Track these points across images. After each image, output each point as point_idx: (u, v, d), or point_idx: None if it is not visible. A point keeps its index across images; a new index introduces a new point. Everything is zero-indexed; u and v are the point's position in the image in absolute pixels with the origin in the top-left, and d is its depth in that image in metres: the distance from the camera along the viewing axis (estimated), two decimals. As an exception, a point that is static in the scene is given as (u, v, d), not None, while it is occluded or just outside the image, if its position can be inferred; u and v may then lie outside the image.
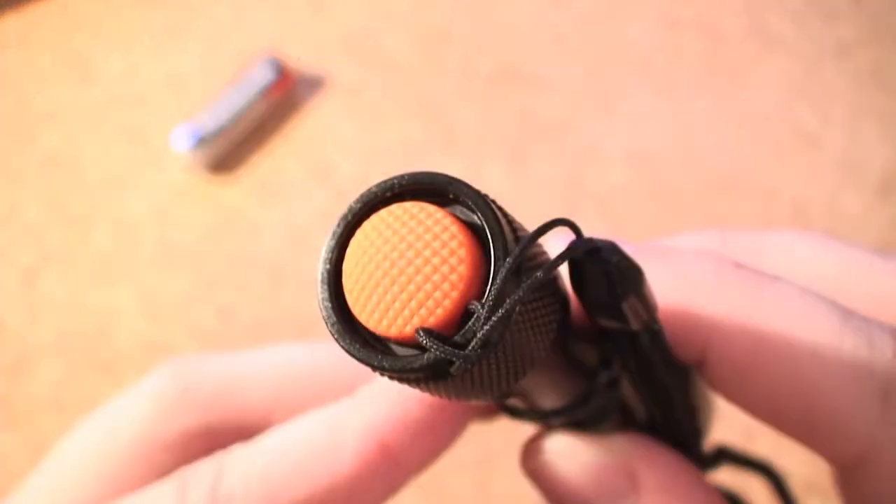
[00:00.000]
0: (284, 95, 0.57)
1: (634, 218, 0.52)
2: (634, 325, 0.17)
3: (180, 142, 0.54)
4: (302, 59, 0.58)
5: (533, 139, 0.55)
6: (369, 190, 0.15)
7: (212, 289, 0.52)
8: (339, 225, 0.15)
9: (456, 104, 0.57)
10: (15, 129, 0.59)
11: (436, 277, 0.14)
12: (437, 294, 0.14)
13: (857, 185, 0.52)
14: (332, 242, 0.15)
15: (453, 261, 0.14)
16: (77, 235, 0.54)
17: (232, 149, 0.56)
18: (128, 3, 0.63)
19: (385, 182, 0.15)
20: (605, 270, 0.16)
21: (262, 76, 0.55)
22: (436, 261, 0.14)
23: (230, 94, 0.55)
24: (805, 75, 0.56)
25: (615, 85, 0.57)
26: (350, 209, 0.15)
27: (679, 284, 0.19)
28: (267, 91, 0.55)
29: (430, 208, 0.14)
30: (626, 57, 0.58)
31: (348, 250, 0.15)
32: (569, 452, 0.20)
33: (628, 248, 0.18)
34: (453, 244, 0.14)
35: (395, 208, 0.14)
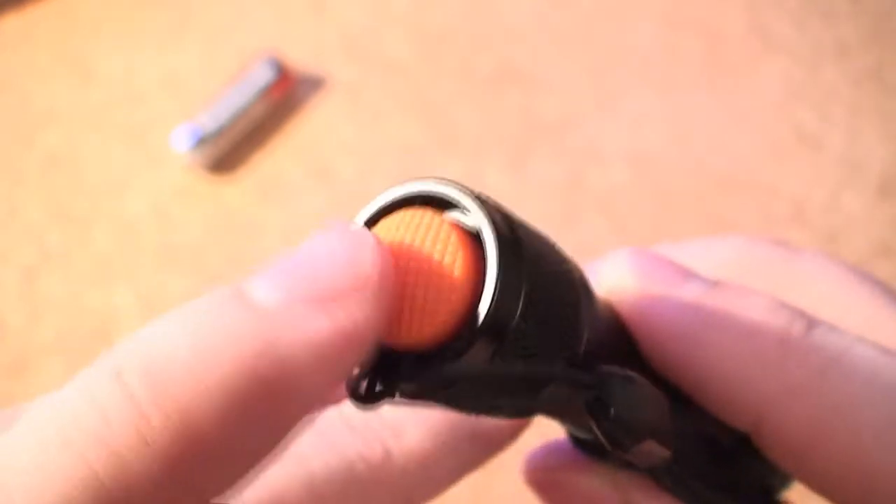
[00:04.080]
0: (284, 95, 0.57)
1: (635, 218, 0.52)
2: (642, 465, 0.16)
3: (180, 142, 0.54)
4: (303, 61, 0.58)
5: (533, 139, 0.55)
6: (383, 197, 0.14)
7: (212, 289, 0.52)
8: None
9: (456, 104, 0.57)
10: (15, 129, 0.59)
11: (428, 295, 0.13)
12: (427, 310, 0.13)
13: (857, 185, 0.52)
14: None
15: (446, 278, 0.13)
16: (77, 235, 0.54)
17: (232, 149, 0.56)
18: (128, 3, 0.63)
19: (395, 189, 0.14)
20: (599, 428, 0.15)
21: (262, 76, 0.55)
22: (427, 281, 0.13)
23: (230, 94, 0.55)
24: (805, 75, 0.56)
25: (615, 85, 0.57)
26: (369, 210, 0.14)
27: (739, 352, 0.17)
28: (267, 91, 0.55)
29: (429, 217, 0.14)
30: (626, 57, 0.57)
31: None
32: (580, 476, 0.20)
33: (696, 289, 0.17)
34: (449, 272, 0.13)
35: (406, 214, 0.14)
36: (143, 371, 0.12)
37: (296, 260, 0.13)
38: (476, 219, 0.13)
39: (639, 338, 0.19)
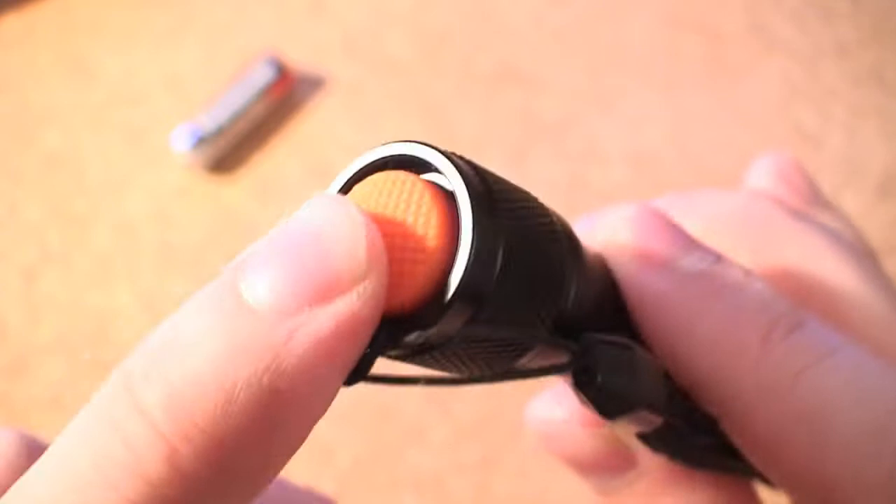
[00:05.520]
0: (284, 95, 0.57)
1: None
2: (642, 429, 0.16)
3: (180, 142, 0.54)
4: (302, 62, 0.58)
5: (533, 139, 0.55)
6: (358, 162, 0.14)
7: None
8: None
9: (456, 104, 0.57)
10: (15, 129, 0.59)
11: (406, 254, 0.13)
12: (406, 269, 0.13)
13: (857, 185, 0.52)
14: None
15: (422, 238, 0.13)
16: (77, 235, 0.54)
17: (232, 149, 0.56)
18: (128, 3, 0.63)
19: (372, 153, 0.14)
20: (590, 395, 0.14)
21: (262, 76, 0.55)
22: (404, 239, 0.13)
23: (230, 94, 0.55)
24: (805, 75, 0.56)
25: (615, 85, 0.57)
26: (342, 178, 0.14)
27: (721, 342, 0.17)
28: (267, 91, 0.55)
29: (405, 178, 0.13)
30: (626, 57, 0.57)
31: None
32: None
33: (695, 264, 0.17)
34: (422, 222, 0.13)
35: (379, 177, 0.13)
36: (165, 404, 0.12)
37: (289, 248, 0.13)
38: (449, 178, 0.13)
39: (628, 301, 0.18)
